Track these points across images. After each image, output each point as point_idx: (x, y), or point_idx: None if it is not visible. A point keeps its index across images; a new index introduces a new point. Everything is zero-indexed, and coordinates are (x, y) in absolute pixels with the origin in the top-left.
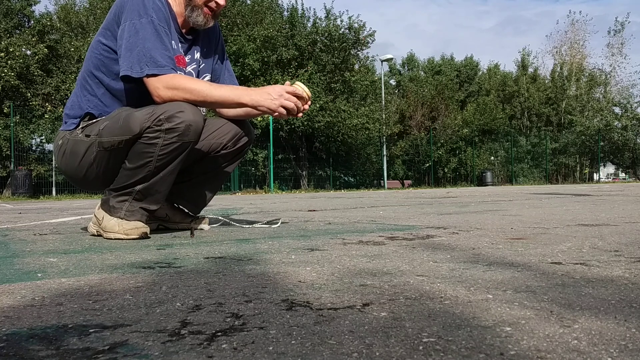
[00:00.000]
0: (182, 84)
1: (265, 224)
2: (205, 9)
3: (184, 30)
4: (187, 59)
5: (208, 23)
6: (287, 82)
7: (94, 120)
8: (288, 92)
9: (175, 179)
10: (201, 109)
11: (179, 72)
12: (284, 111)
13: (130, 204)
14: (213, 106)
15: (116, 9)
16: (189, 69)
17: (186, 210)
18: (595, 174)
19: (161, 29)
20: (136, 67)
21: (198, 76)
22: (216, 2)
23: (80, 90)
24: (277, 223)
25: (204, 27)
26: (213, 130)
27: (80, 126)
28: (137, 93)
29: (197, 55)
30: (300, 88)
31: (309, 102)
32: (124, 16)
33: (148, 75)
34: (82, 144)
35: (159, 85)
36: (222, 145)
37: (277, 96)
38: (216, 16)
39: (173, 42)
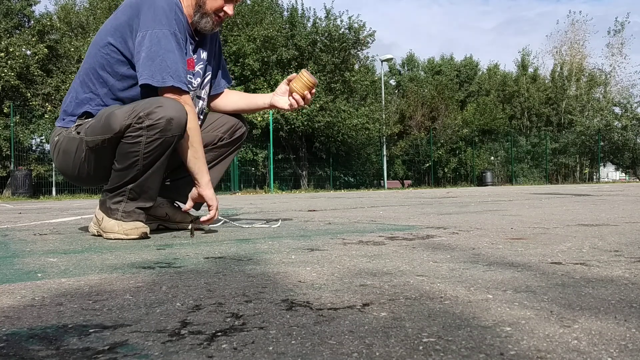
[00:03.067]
0: (190, 110)
1: (265, 224)
2: (215, 17)
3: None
4: (194, 57)
5: (215, 29)
6: (291, 75)
7: (89, 119)
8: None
9: (174, 175)
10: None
11: (188, 75)
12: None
13: (126, 204)
14: (185, 142)
15: (131, 13)
16: (197, 68)
17: (186, 210)
18: (595, 174)
19: (182, 42)
20: (157, 76)
21: (204, 74)
22: (225, 12)
23: (80, 87)
24: (277, 223)
25: (210, 33)
26: (209, 124)
27: (76, 123)
28: (142, 97)
29: (204, 54)
30: (305, 78)
31: (313, 90)
32: (141, 22)
33: (170, 87)
34: (74, 141)
35: (179, 100)
36: (218, 137)
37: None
38: (222, 22)
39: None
